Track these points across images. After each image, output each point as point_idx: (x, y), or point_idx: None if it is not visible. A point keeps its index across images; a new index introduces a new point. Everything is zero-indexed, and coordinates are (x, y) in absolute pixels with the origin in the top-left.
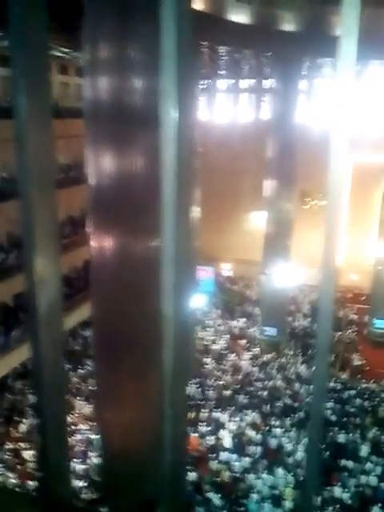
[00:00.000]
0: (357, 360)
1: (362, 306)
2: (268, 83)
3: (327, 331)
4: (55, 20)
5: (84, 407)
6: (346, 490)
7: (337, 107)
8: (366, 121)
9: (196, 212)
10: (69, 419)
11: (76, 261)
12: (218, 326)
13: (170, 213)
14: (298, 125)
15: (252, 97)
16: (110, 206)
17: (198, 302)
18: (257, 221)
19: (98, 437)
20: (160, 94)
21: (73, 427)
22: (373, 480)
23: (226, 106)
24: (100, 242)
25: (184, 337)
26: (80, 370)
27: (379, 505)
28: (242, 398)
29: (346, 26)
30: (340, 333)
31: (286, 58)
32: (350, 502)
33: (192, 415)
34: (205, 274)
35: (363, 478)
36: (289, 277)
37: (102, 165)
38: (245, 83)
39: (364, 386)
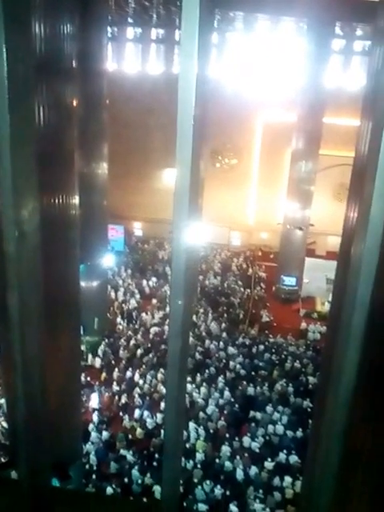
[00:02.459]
0: (265, 316)
1: (270, 263)
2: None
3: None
4: None
5: None
6: (255, 439)
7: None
8: (275, 80)
9: (104, 168)
10: None
11: None
12: (129, 285)
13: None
14: (209, 80)
15: (162, 48)
16: None
17: (108, 261)
18: (168, 179)
19: (4, 400)
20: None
21: None
22: (279, 429)
23: (136, 56)
24: None
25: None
26: None
27: (285, 451)
28: (154, 357)
29: None
30: (249, 290)
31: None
32: (258, 450)
33: (104, 375)
34: (115, 233)
35: (270, 427)
36: (200, 236)
37: None
38: (155, 33)
39: (272, 340)
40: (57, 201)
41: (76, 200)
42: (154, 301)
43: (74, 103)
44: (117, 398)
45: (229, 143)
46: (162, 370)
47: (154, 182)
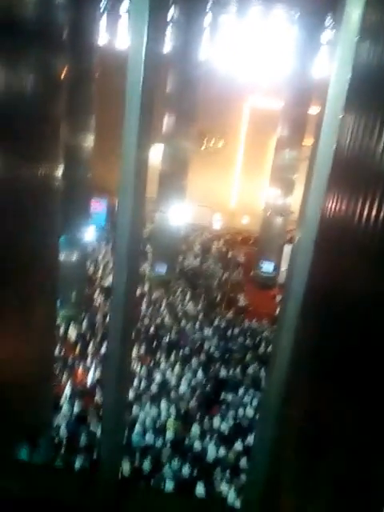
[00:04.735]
0: (242, 300)
1: (250, 248)
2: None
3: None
4: None
5: None
6: (225, 421)
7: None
8: (265, 66)
9: (90, 141)
10: None
11: None
12: (109, 261)
13: None
14: (200, 62)
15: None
16: None
17: (89, 235)
18: (153, 156)
19: None
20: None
21: None
22: (249, 412)
23: (128, 32)
24: None
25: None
26: None
27: (254, 434)
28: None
29: None
30: (227, 273)
31: None
32: (227, 432)
33: (79, 349)
34: (98, 207)
35: (241, 410)
36: (182, 216)
37: None
38: None
39: (247, 324)
40: (39, 171)
41: (59, 171)
42: None
43: (63, 74)
44: (91, 372)
45: (216, 126)
46: (137, 346)
47: None
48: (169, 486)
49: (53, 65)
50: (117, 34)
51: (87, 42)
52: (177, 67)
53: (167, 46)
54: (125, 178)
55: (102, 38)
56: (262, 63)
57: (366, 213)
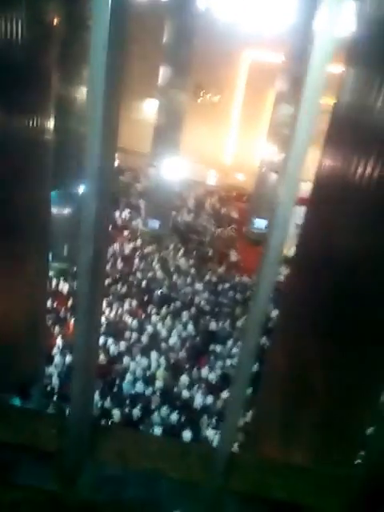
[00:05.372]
0: (234, 256)
1: (244, 205)
2: None
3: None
4: None
5: None
6: (214, 370)
7: None
8: (265, 17)
9: (82, 93)
10: None
11: None
12: None
13: None
14: (197, 11)
15: None
16: None
17: (81, 189)
18: (148, 110)
19: None
20: None
21: None
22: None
23: None
24: None
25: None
26: None
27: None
28: (122, 287)
29: None
30: (220, 229)
31: None
32: (215, 381)
33: (71, 302)
34: None
35: (229, 361)
36: (177, 171)
37: None
38: None
39: (238, 279)
40: (30, 123)
41: (51, 123)
42: (126, 232)
43: (55, 22)
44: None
45: (212, 79)
46: (128, 300)
47: (134, 112)
48: (157, 431)
49: (45, 10)
50: None
51: None
52: (175, 16)
53: None
54: (91, 118)
55: None
56: (263, 13)
57: (362, 169)
